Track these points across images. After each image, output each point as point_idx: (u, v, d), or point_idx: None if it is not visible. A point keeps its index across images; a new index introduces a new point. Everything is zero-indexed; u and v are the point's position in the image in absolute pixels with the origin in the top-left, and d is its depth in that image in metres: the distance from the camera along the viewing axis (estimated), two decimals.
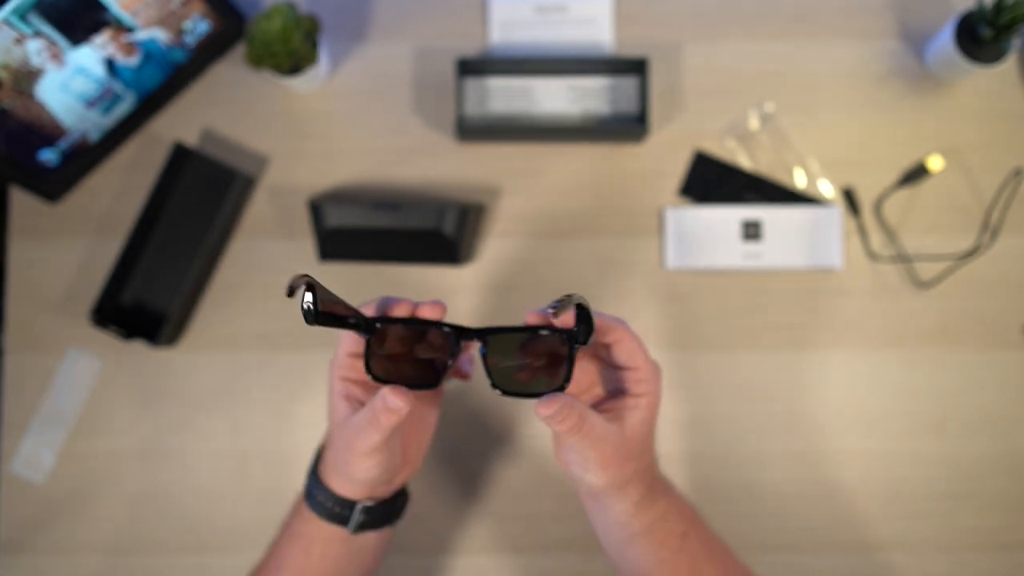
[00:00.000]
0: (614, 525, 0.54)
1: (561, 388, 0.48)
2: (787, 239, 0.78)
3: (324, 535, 0.55)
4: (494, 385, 0.49)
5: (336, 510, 0.54)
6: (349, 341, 0.52)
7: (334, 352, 0.53)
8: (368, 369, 0.49)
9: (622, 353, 0.51)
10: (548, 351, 0.49)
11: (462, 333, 0.50)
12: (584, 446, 0.48)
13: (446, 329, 0.49)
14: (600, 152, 0.80)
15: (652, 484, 0.54)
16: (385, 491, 0.56)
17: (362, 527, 0.55)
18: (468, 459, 0.78)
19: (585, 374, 0.54)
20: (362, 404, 0.52)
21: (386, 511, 0.56)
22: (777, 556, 0.76)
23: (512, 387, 0.49)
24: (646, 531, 0.54)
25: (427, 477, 0.77)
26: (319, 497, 0.54)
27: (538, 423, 0.77)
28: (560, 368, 0.48)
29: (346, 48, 0.82)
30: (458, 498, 0.77)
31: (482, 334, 0.49)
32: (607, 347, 0.52)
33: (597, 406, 0.53)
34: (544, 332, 0.49)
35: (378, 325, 0.49)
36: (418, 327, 0.50)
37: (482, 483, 0.77)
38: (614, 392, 0.53)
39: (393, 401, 0.47)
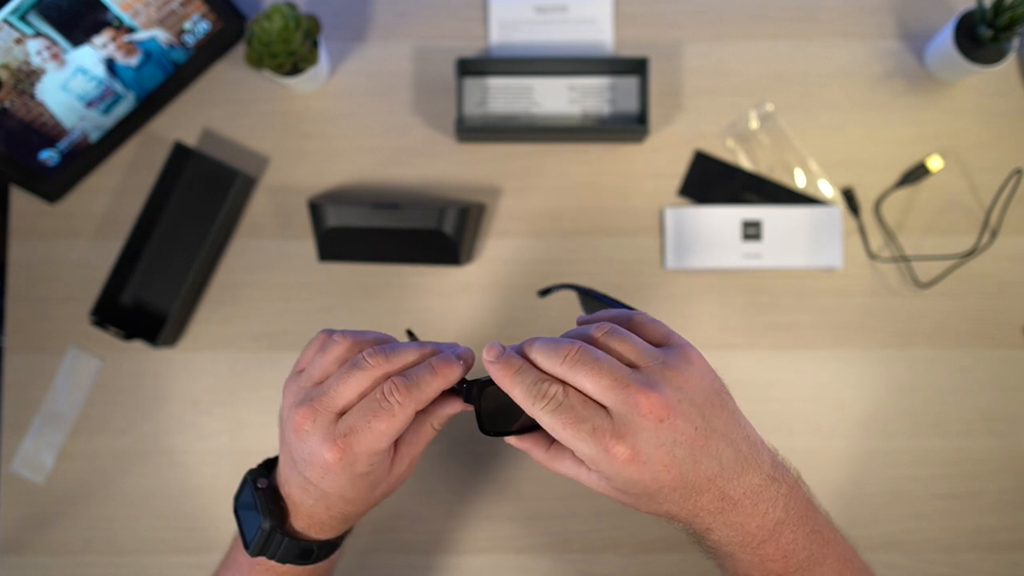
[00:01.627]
0: None
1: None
2: (787, 239, 0.78)
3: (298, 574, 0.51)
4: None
5: (323, 552, 0.51)
6: (399, 428, 0.45)
7: (362, 442, 0.45)
8: (487, 429, 0.46)
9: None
10: None
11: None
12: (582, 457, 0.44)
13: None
14: (600, 152, 0.80)
15: (706, 529, 0.46)
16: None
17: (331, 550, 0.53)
18: (468, 460, 0.78)
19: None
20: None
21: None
22: None
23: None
24: (713, 555, 0.50)
25: (427, 477, 0.77)
26: (290, 552, 0.50)
27: None
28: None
29: (346, 48, 0.82)
30: (458, 498, 0.77)
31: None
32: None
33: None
34: None
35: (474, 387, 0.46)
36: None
37: (482, 483, 0.77)
38: None
39: (465, 356, 0.46)
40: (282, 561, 0.50)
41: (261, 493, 0.50)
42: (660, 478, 0.42)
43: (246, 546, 0.50)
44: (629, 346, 0.44)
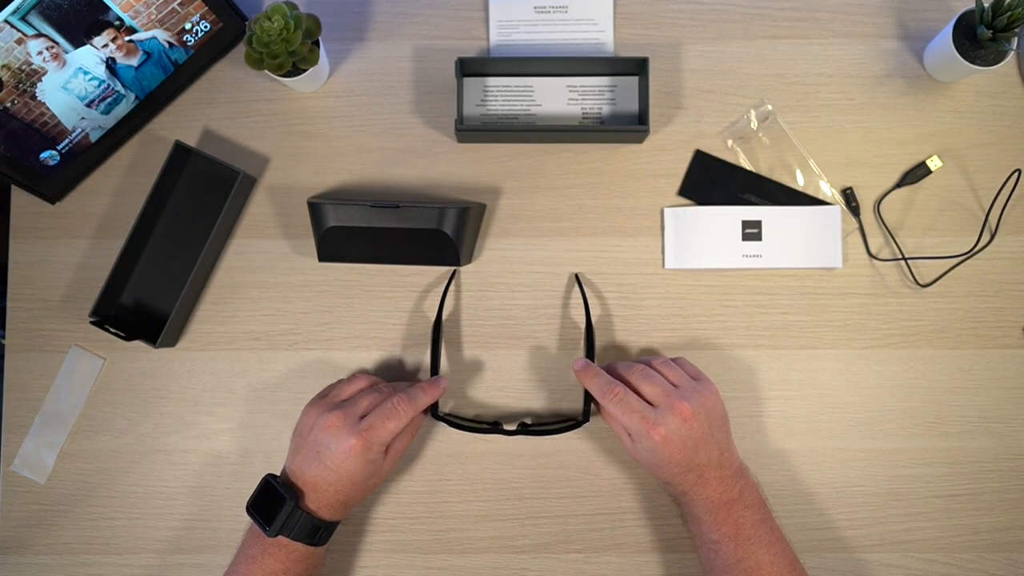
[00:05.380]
0: None
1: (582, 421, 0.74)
2: (787, 239, 0.78)
3: (304, 555, 0.67)
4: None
5: (325, 534, 0.67)
6: (401, 427, 0.67)
7: (376, 435, 0.66)
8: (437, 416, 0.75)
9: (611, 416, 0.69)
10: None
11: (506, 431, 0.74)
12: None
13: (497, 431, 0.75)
14: (600, 152, 0.80)
15: (682, 493, 0.68)
16: None
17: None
18: (468, 459, 0.78)
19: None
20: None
21: None
22: None
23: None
24: (686, 517, 0.71)
25: (427, 477, 0.77)
26: (303, 528, 0.66)
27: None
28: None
29: (346, 48, 0.82)
30: (458, 498, 0.77)
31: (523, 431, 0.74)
32: None
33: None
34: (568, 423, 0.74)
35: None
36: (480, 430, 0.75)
37: (482, 483, 0.77)
38: None
39: (442, 383, 0.72)
40: (296, 538, 0.65)
41: (281, 483, 0.66)
42: (673, 455, 0.65)
43: (265, 531, 0.64)
44: (674, 373, 0.69)
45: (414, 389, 0.69)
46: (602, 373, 0.69)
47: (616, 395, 0.66)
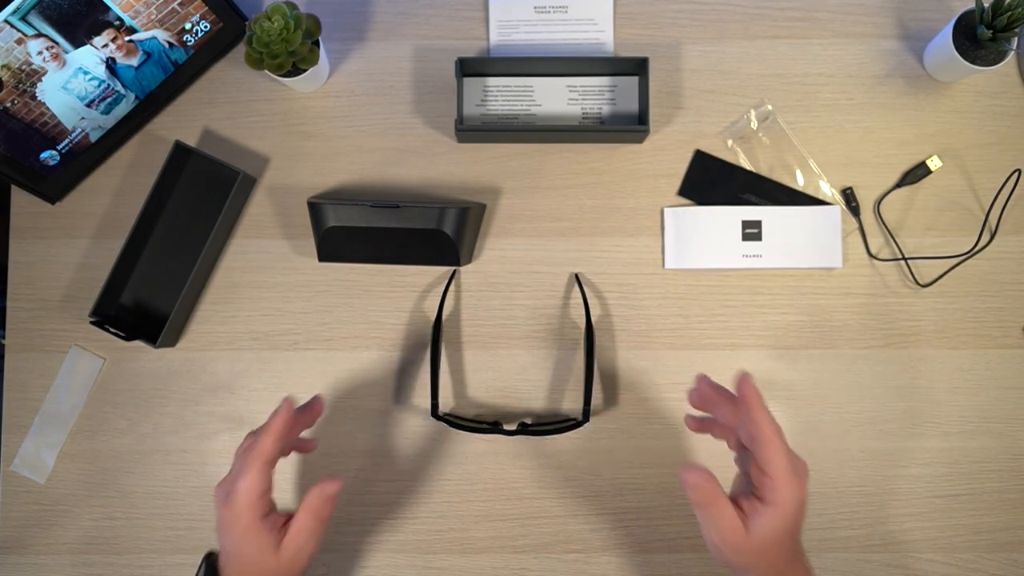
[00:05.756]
0: None
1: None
2: (787, 239, 0.78)
3: None
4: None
5: None
6: (257, 481, 0.58)
7: (237, 499, 0.57)
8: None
9: (761, 454, 0.55)
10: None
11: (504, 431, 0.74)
12: (705, 525, 0.55)
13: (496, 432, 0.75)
14: (600, 152, 0.80)
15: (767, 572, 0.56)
16: None
17: None
18: (468, 459, 0.78)
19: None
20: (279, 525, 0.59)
21: None
22: None
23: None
24: None
25: (428, 477, 0.77)
26: None
27: None
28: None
29: (346, 48, 0.82)
30: (458, 498, 0.77)
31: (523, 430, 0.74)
32: (752, 439, 0.56)
33: (741, 491, 0.58)
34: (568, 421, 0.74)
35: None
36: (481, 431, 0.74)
37: (482, 483, 0.77)
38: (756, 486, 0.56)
39: (331, 487, 0.59)
40: None
41: (211, 564, 0.62)
42: (797, 522, 0.55)
43: None
44: None
45: (258, 432, 0.61)
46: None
47: (780, 431, 0.56)
